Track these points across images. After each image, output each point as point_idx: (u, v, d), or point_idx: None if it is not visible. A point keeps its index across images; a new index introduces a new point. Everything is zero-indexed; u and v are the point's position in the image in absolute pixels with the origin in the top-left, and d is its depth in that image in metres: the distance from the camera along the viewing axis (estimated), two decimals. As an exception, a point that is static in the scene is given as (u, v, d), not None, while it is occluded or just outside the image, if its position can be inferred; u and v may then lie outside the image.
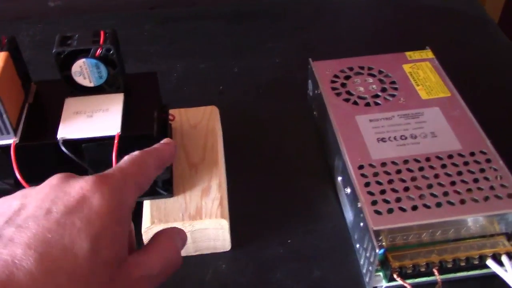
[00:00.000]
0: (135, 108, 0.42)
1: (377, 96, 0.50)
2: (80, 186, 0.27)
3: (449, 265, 0.41)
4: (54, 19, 0.76)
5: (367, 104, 0.49)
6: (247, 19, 0.74)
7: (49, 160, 0.40)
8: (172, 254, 0.31)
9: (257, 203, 0.49)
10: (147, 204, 0.43)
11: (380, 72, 0.53)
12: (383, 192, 0.42)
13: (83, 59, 0.40)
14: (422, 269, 0.40)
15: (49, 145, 0.39)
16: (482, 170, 0.43)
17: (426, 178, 0.42)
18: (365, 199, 0.41)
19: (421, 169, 0.43)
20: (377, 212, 0.40)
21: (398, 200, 0.41)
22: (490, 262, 0.41)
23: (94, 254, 0.25)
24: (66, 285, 0.24)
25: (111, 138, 0.39)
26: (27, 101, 0.42)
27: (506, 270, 0.40)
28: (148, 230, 0.42)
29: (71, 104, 0.41)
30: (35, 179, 0.32)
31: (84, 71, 0.40)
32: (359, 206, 0.41)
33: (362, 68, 0.54)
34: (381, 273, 0.41)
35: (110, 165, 0.40)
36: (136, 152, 0.32)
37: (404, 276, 0.40)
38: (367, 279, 0.42)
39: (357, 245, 0.43)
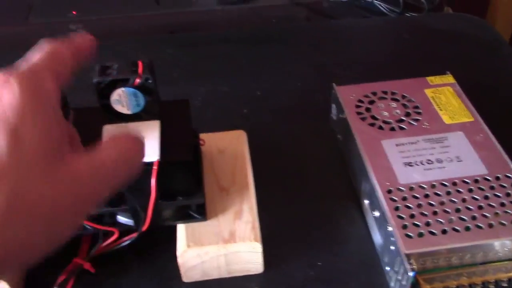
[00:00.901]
0: (170, 135, 0.43)
1: (401, 120, 0.52)
2: None
3: (479, 288, 0.42)
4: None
5: (392, 129, 0.51)
6: (264, 43, 0.75)
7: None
8: (128, 150, 0.29)
9: (284, 225, 0.50)
10: (181, 227, 0.45)
11: (403, 96, 0.54)
12: (412, 216, 0.43)
13: (122, 88, 0.41)
14: (453, 292, 0.41)
15: (90, 171, 0.40)
16: (508, 194, 0.44)
17: (453, 202, 0.44)
18: (396, 223, 0.42)
19: (448, 193, 0.44)
20: (408, 236, 0.41)
21: (427, 224, 0.42)
22: (519, 285, 0.42)
23: (15, 150, 0.24)
24: None
25: (150, 164, 0.40)
26: (66, 128, 0.43)
27: (535, 293, 0.41)
28: (184, 253, 0.43)
29: (109, 131, 0.43)
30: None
31: (122, 99, 0.42)
32: (389, 229, 0.42)
33: (385, 92, 0.55)
34: (412, 296, 0.42)
35: (149, 191, 0.41)
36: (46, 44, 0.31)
37: (435, 299, 0.41)
38: (398, 302, 0.42)
39: (387, 268, 0.44)
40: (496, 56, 0.71)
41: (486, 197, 0.44)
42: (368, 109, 0.53)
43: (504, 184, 0.45)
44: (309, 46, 0.74)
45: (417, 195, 0.44)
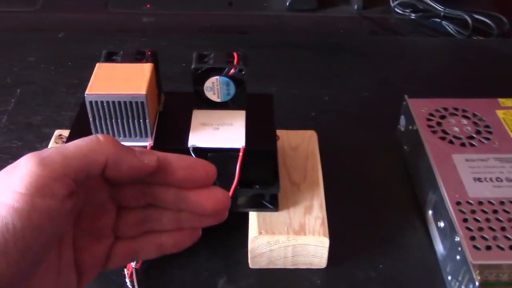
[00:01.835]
0: (254, 125, 0.45)
1: (472, 137, 0.53)
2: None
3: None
4: (151, 34, 0.81)
5: (463, 144, 0.52)
6: (333, 52, 0.77)
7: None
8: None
9: (347, 226, 0.51)
10: (253, 215, 0.47)
11: (474, 115, 0.55)
12: (480, 229, 0.44)
13: (217, 77, 0.44)
14: (514, 306, 0.42)
15: (181, 151, 0.42)
16: None
17: (522, 221, 0.44)
18: (464, 234, 0.43)
19: (517, 211, 0.45)
20: (476, 247, 0.42)
21: (495, 238, 0.43)
22: None
23: None
24: None
25: (237, 150, 0.42)
26: (158, 109, 0.46)
27: None
28: (255, 239, 0.45)
29: (198, 116, 0.45)
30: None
31: (215, 87, 0.44)
32: (456, 239, 0.44)
33: (456, 109, 0.56)
34: (473, 306, 0.43)
35: (232, 177, 0.43)
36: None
37: (496, 311, 0.42)
38: (459, 310, 0.44)
39: (449, 277, 0.45)
40: None
41: (555, 220, 0.45)
42: (439, 123, 0.54)
43: None
44: (376, 59, 0.76)
45: (486, 210, 0.45)
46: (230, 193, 0.43)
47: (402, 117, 0.59)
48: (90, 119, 0.42)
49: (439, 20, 0.87)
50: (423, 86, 0.70)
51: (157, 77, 0.45)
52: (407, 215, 0.53)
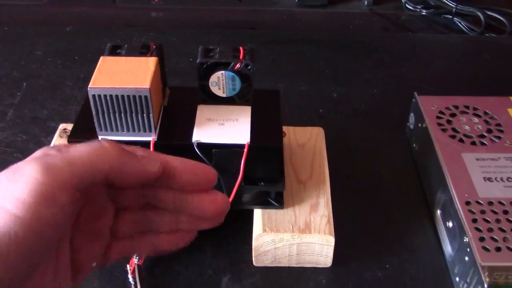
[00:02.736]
0: (260, 121, 0.44)
1: (482, 136, 0.52)
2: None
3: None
4: (159, 28, 0.81)
5: (473, 143, 0.51)
6: (343, 48, 0.76)
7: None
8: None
9: (354, 225, 0.50)
10: (258, 213, 0.46)
11: (486, 113, 0.54)
12: (490, 230, 0.43)
13: (222, 71, 0.43)
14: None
15: (185, 146, 0.42)
16: None
17: (533, 222, 0.43)
18: (473, 235, 0.42)
19: (528, 212, 0.44)
20: (485, 249, 0.41)
21: (505, 239, 0.42)
22: None
23: None
24: None
25: (241, 146, 0.42)
26: (163, 104, 0.45)
27: None
28: (259, 237, 0.44)
29: (203, 111, 0.45)
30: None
31: (220, 82, 0.43)
32: (465, 240, 0.43)
33: (467, 107, 0.55)
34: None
35: (236, 173, 0.43)
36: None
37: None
38: (467, 313, 0.43)
39: (457, 279, 0.44)
40: None
41: None
42: (449, 121, 0.53)
43: None
44: (387, 55, 0.75)
45: (496, 210, 0.44)
46: (234, 190, 0.43)
47: (412, 114, 0.58)
48: (94, 113, 0.41)
49: (450, 16, 0.85)
50: (434, 84, 0.69)
51: (162, 71, 0.45)
52: (415, 214, 0.52)
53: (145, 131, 0.42)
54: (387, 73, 0.71)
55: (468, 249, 0.42)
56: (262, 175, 0.45)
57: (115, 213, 0.32)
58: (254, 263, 0.46)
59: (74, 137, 0.43)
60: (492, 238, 0.42)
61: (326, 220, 0.45)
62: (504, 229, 0.43)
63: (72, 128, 0.44)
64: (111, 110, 0.41)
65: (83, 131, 0.43)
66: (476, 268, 0.41)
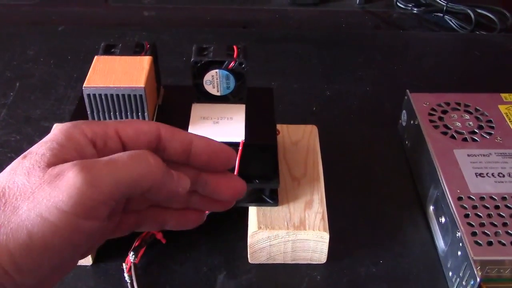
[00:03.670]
0: (254, 119, 0.45)
1: (474, 132, 0.52)
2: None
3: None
4: (152, 28, 0.81)
5: (465, 139, 0.51)
6: (335, 46, 0.77)
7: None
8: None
9: (348, 221, 0.51)
10: (253, 210, 0.46)
11: (477, 110, 0.55)
12: (482, 224, 0.43)
13: (216, 70, 0.43)
14: (516, 303, 0.42)
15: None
16: None
17: (524, 216, 0.44)
18: (465, 229, 0.43)
19: (519, 207, 0.45)
20: (477, 243, 0.42)
21: (497, 234, 0.43)
22: None
23: None
24: None
25: (236, 144, 0.42)
26: (157, 103, 0.46)
27: None
28: (254, 234, 0.45)
29: (198, 109, 0.45)
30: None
31: (214, 80, 0.44)
32: (458, 235, 0.43)
33: (458, 104, 0.56)
34: (474, 302, 0.43)
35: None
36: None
37: (497, 308, 0.42)
38: (460, 306, 0.43)
39: (450, 273, 0.45)
40: None
41: (557, 215, 0.44)
42: (441, 118, 0.54)
43: None
44: (379, 53, 0.75)
45: (487, 205, 0.45)
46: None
47: (404, 111, 0.58)
48: (88, 112, 0.41)
49: (441, 14, 0.86)
50: (425, 81, 0.70)
51: (156, 70, 0.45)
52: (408, 210, 0.52)
53: (140, 130, 0.42)
54: (379, 70, 0.71)
55: (461, 244, 0.43)
56: (256, 172, 0.45)
57: None
58: (250, 260, 0.47)
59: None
60: (484, 233, 0.43)
61: (321, 217, 0.46)
62: (496, 223, 0.43)
63: (67, 128, 0.44)
64: (106, 109, 0.41)
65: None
66: (469, 262, 0.41)
